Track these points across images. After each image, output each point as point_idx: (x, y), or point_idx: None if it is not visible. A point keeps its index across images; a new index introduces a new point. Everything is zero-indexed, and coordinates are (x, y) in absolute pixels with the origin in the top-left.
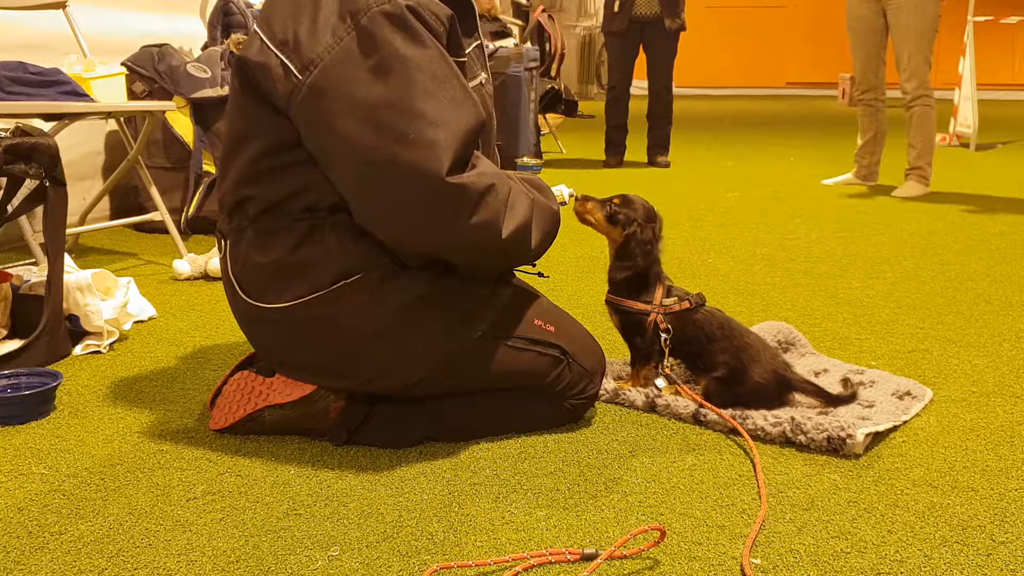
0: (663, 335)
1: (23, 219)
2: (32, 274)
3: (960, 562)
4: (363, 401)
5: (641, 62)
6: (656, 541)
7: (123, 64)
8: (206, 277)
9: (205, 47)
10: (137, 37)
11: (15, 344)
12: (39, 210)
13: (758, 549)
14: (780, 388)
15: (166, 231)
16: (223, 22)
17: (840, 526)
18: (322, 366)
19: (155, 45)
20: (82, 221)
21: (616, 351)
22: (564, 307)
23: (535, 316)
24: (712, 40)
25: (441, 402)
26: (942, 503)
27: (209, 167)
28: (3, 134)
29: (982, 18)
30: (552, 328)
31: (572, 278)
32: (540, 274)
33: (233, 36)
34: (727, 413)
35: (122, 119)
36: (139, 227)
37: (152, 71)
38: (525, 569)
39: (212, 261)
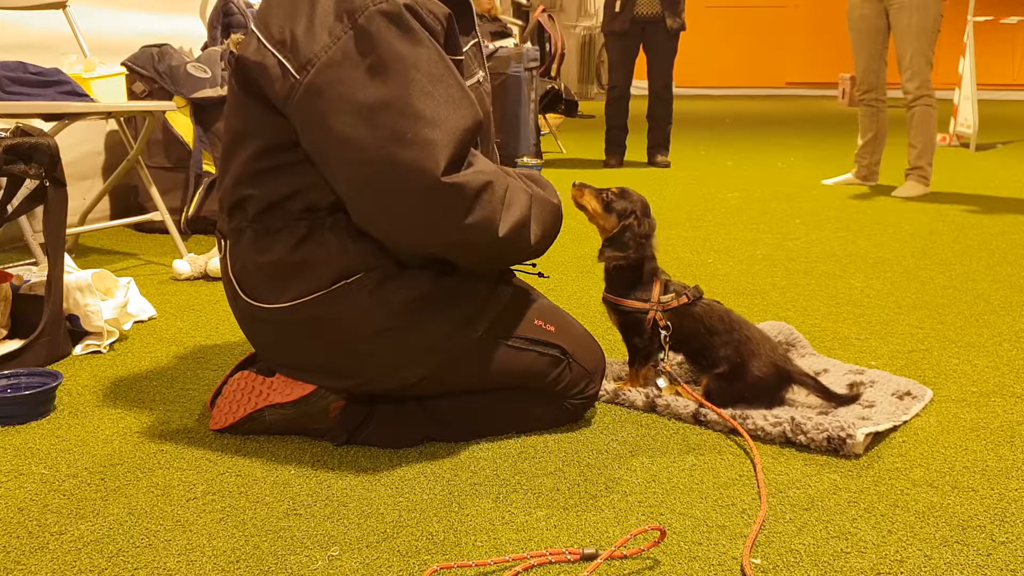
0: (663, 332)
1: (23, 219)
2: (32, 274)
3: (960, 562)
4: (363, 401)
5: (641, 62)
6: (656, 541)
7: (123, 64)
8: (206, 277)
9: (205, 47)
10: (137, 37)
11: (15, 344)
12: (39, 210)
13: (758, 549)
14: (780, 381)
15: (166, 231)
16: (223, 22)
17: (840, 526)
18: (322, 366)
19: (155, 45)
20: (82, 221)
21: (616, 351)
22: (564, 307)
23: (535, 316)
24: (712, 40)
25: (441, 402)
26: (942, 503)
27: (209, 167)
28: (3, 134)
29: (982, 18)
30: (552, 328)
31: (572, 278)
32: (540, 274)
33: (233, 36)
34: (727, 413)
35: (122, 119)
36: (139, 227)
37: (152, 71)
38: (525, 569)
39: (212, 261)
